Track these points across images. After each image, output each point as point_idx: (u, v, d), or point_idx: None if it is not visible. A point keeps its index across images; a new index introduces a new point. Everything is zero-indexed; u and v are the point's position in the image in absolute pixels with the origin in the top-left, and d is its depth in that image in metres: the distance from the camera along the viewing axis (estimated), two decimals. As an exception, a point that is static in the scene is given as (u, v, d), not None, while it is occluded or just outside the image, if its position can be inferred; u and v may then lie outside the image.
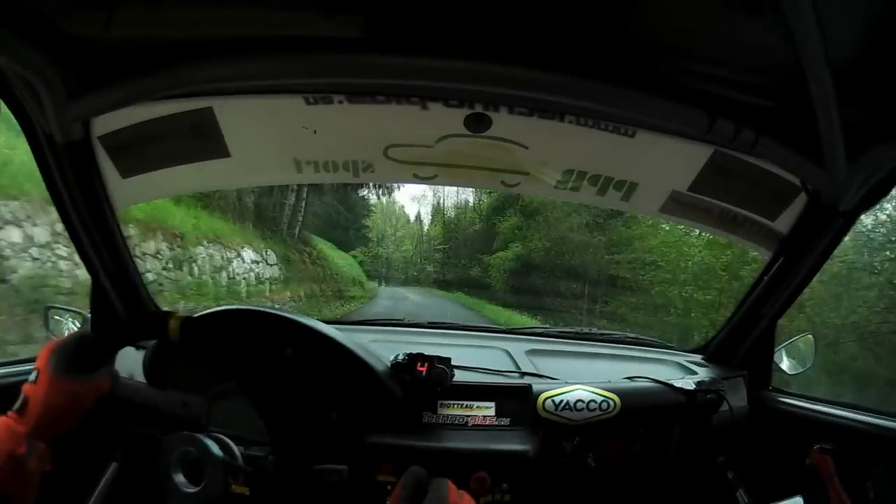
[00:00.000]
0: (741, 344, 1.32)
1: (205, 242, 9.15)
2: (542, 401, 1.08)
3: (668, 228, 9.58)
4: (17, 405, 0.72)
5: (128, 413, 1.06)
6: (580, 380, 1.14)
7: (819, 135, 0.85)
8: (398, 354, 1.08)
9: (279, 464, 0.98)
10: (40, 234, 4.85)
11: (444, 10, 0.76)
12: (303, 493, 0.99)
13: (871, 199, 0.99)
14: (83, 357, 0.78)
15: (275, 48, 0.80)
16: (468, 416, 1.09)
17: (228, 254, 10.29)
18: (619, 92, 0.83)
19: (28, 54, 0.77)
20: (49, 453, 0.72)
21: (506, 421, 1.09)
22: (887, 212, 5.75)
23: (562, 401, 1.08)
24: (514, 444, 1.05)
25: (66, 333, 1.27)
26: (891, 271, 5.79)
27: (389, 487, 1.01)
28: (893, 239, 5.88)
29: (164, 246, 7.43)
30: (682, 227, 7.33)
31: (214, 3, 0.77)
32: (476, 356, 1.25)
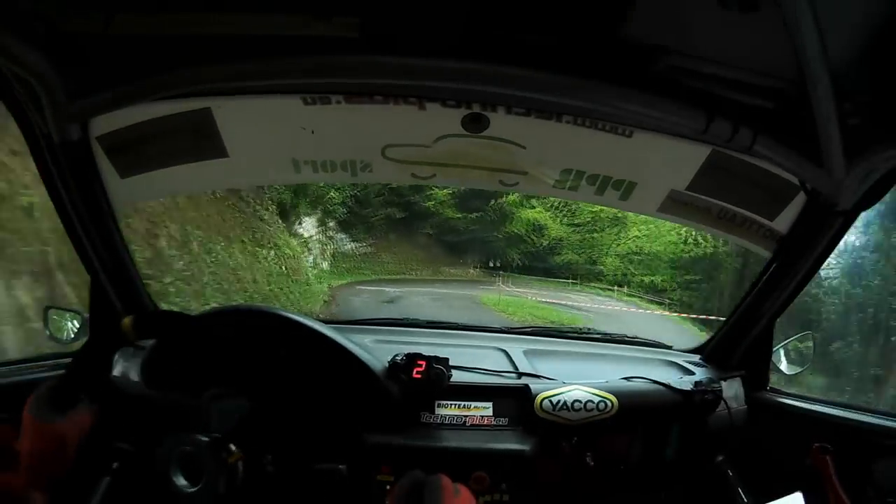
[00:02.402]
0: (739, 344, 1.32)
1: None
2: (539, 401, 1.08)
3: None
4: (7, 461, 0.73)
5: (124, 416, 1.06)
6: (578, 380, 1.14)
7: (817, 135, 0.85)
8: (396, 354, 1.09)
9: (278, 464, 0.98)
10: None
11: (441, 11, 0.76)
12: (302, 492, 1.00)
13: (871, 198, 0.99)
14: (58, 398, 0.80)
15: (273, 49, 0.81)
16: (466, 416, 1.09)
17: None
18: (616, 91, 0.83)
19: (26, 55, 0.77)
20: (46, 501, 0.73)
21: (504, 421, 1.09)
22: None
23: (559, 401, 1.08)
24: (513, 444, 1.05)
25: (65, 334, 1.27)
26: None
27: (388, 487, 1.01)
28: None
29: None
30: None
31: (212, 5, 0.77)
32: (474, 356, 1.25)
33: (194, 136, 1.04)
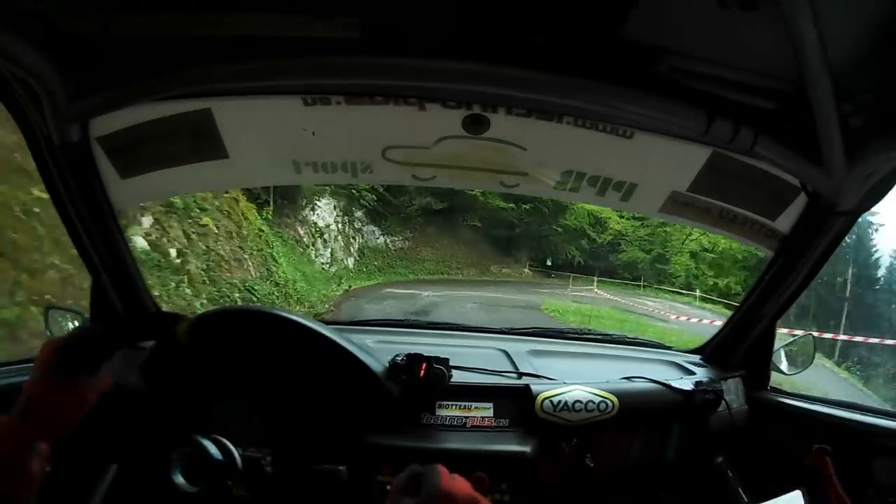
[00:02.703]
0: (740, 344, 1.32)
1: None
2: (540, 401, 1.08)
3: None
4: (20, 407, 0.69)
5: (126, 415, 1.06)
6: (578, 380, 1.14)
7: (818, 136, 0.85)
8: (397, 355, 1.09)
9: (278, 464, 0.98)
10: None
11: (441, 12, 0.76)
12: (302, 493, 1.00)
13: (872, 198, 0.99)
14: (87, 355, 0.75)
15: (273, 49, 0.81)
16: (466, 416, 1.09)
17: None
18: (617, 92, 0.83)
19: (26, 55, 0.77)
20: (48, 454, 0.70)
21: (504, 421, 1.09)
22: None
23: (560, 401, 1.08)
24: (513, 445, 1.05)
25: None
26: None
27: (388, 488, 1.01)
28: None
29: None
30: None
31: (212, 5, 0.77)
32: (475, 357, 1.25)
33: (195, 137, 1.04)
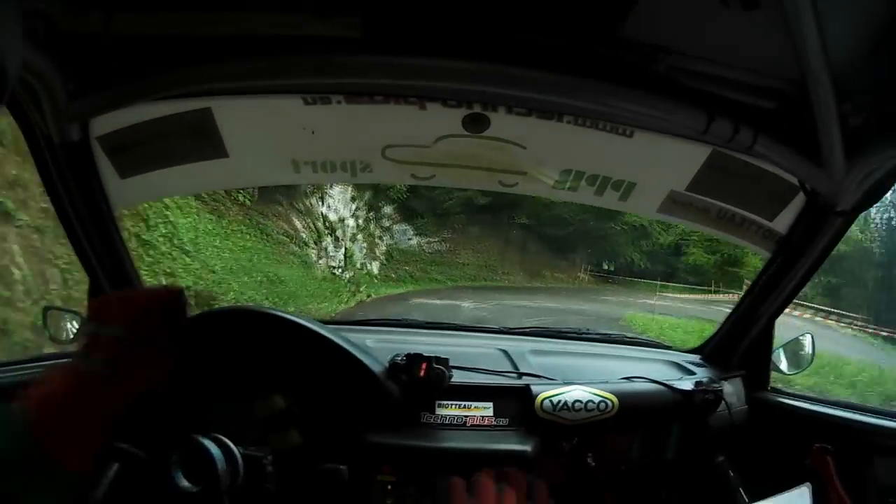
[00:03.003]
0: (739, 344, 1.32)
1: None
2: (540, 401, 1.08)
3: None
4: (100, 362, 0.56)
5: (124, 417, 1.06)
6: (578, 380, 1.14)
7: (817, 135, 0.85)
8: (396, 355, 1.08)
9: (278, 463, 0.98)
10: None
11: (443, 11, 0.76)
12: (303, 493, 1.00)
13: (870, 198, 0.99)
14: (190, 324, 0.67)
15: (274, 48, 0.81)
16: (466, 416, 1.09)
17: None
18: (617, 91, 0.83)
19: (26, 55, 0.77)
20: None
21: (504, 421, 1.09)
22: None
23: (560, 401, 1.08)
24: (513, 444, 1.05)
25: (65, 334, 1.26)
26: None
27: (389, 487, 1.01)
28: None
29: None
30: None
31: (212, 5, 0.77)
32: (474, 356, 1.25)
33: (195, 137, 1.04)
